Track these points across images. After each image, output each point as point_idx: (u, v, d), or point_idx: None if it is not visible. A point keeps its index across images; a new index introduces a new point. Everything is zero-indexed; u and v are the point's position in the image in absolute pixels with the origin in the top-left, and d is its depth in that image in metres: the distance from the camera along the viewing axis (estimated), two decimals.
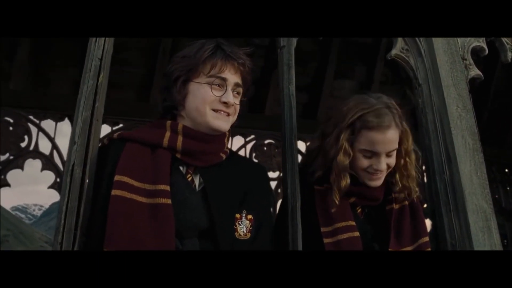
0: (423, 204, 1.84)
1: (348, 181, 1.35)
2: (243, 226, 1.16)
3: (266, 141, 4.37)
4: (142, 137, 1.20)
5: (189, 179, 1.21)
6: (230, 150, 1.35)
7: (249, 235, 1.16)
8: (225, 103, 1.23)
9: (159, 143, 1.19)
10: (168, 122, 1.24)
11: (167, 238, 1.05)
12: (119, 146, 1.17)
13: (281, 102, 1.46)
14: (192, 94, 1.23)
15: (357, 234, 1.31)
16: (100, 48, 1.27)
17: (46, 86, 3.67)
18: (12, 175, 3.55)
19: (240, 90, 1.30)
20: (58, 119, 3.60)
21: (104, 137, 1.26)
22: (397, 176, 1.41)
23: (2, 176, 3.46)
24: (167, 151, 1.19)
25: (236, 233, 1.14)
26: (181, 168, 1.22)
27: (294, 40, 1.55)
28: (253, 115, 4.35)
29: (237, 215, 1.17)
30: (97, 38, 1.27)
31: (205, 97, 1.22)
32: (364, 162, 1.37)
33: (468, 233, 1.44)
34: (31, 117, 3.56)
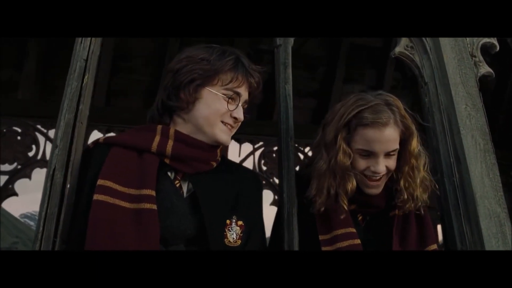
0: (437, 211, 1.73)
1: (354, 183, 1.26)
2: (233, 233, 1.10)
3: (275, 148, 4.31)
4: (130, 141, 1.15)
5: (177, 185, 1.16)
6: (222, 155, 1.29)
7: (239, 242, 1.10)
8: (235, 118, 1.21)
9: (147, 147, 1.13)
10: (159, 127, 1.19)
11: (152, 244, 0.99)
12: (104, 150, 1.12)
13: (277, 102, 1.39)
14: (205, 102, 1.18)
15: (358, 241, 1.22)
16: (85, 49, 1.23)
17: (53, 95, 3.69)
18: (20, 184, 3.56)
19: (246, 106, 1.27)
20: None
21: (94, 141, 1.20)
22: (402, 183, 1.30)
23: (10, 186, 3.48)
24: (155, 156, 1.13)
25: (225, 239, 1.08)
26: (169, 173, 1.17)
27: (291, 39, 1.49)
28: (261, 122, 4.30)
29: (227, 221, 1.11)
30: (83, 39, 1.23)
31: (219, 109, 1.18)
32: (361, 163, 1.27)
33: (481, 240, 1.34)
34: (38, 126, 3.59)
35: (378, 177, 1.28)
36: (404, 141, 1.30)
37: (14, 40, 3.58)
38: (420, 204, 1.32)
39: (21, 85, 3.61)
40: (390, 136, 1.25)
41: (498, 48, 1.75)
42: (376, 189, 1.30)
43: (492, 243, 1.34)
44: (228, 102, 1.18)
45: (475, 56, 1.70)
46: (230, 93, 1.19)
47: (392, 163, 1.29)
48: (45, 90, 3.72)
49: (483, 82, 1.68)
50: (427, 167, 1.34)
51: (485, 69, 1.68)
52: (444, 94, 1.55)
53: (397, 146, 1.28)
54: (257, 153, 4.32)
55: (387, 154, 1.27)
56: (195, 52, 1.21)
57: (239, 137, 4.42)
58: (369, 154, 1.27)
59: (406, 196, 1.29)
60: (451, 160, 1.46)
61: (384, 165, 1.27)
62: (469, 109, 1.53)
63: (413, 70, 1.65)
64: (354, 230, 1.24)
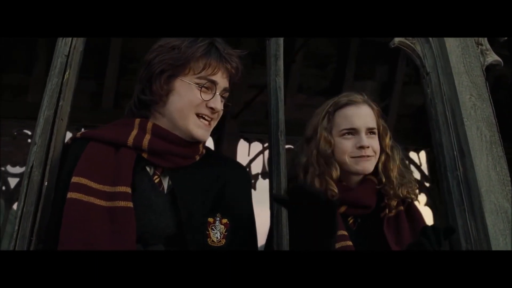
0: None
1: (339, 171, 1.30)
2: (217, 232, 1.04)
3: (286, 146, 4.26)
4: (106, 135, 1.11)
5: (156, 181, 1.11)
6: (207, 148, 1.24)
7: (223, 241, 1.04)
8: (212, 108, 1.13)
9: (124, 141, 1.09)
10: (137, 120, 1.14)
11: (127, 244, 0.94)
12: (81, 145, 1.09)
13: (268, 95, 1.35)
14: (178, 93, 1.11)
15: (349, 243, 1.19)
16: (67, 45, 1.20)
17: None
18: None
19: (227, 95, 1.20)
20: (74, 130, 3.65)
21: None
22: (380, 167, 1.36)
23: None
24: (132, 151, 1.09)
25: (208, 239, 1.03)
26: (148, 169, 1.12)
27: None
28: None
29: (210, 219, 1.05)
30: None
31: (192, 100, 1.11)
32: (347, 145, 1.33)
33: (486, 237, 1.26)
34: None
35: (366, 154, 1.31)
36: (380, 138, 1.40)
37: (23, 44, 3.63)
38: (405, 197, 1.36)
39: (31, 89, 3.66)
40: (367, 112, 1.37)
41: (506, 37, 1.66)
42: (367, 163, 1.32)
43: (499, 241, 1.26)
44: (201, 91, 1.11)
45: (481, 44, 1.61)
46: (204, 81, 1.12)
47: (375, 144, 1.35)
48: None
49: (499, 77, 1.59)
50: (400, 156, 1.43)
51: (492, 57, 1.59)
52: (446, 84, 1.48)
53: (375, 126, 1.37)
54: (267, 152, 4.27)
55: (368, 131, 1.34)
56: (168, 40, 1.15)
57: (248, 136, 4.39)
58: (352, 133, 1.34)
59: (393, 185, 1.35)
60: (455, 153, 1.39)
61: (367, 141, 1.32)
62: (474, 99, 1.45)
63: (414, 60, 1.58)
64: (345, 233, 1.21)
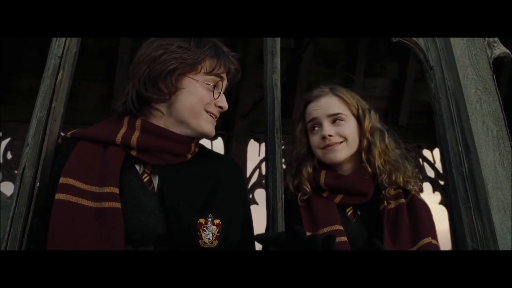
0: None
1: (310, 169, 1.35)
2: (209, 233, 1.01)
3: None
4: (95, 134, 1.10)
5: (146, 179, 1.08)
6: (200, 145, 1.22)
7: (216, 242, 1.02)
8: (220, 107, 1.15)
9: (112, 139, 1.07)
10: (127, 118, 1.13)
11: (115, 246, 0.93)
12: (70, 145, 1.08)
13: (264, 92, 1.32)
14: (188, 91, 1.10)
15: (344, 239, 1.17)
16: (60, 47, 1.20)
17: (73, 101, 3.78)
18: None
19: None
20: None
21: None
22: (363, 156, 1.36)
23: None
24: (120, 149, 1.07)
25: (200, 240, 1.00)
26: (137, 167, 1.09)
27: None
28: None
29: (202, 220, 1.02)
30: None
31: (203, 98, 1.12)
32: (315, 139, 1.36)
33: (493, 235, 1.21)
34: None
35: (330, 143, 1.32)
36: (359, 120, 1.39)
37: (35, 48, 3.70)
38: (404, 186, 1.34)
39: None
40: (327, 102, 1.38)
41: None
42: (333, 153, 1.33)
43: (507, 239, 1.21)
44: (210, 90, 1.13)
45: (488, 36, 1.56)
46: (216, 79, 1.14)
47: (343, 129, 1.34)
48: None
49: (498, 61, 1.54)
50: (387, 140, 1.40)
51: (500, 49, 1.54)
52: (451, 77, 1.43)
53: (340, 111, 1.36)
54: None
55: (334, 121, 1.35)
56: (168, 41, 1.13)
57: (258, 136, 4.38)
58: (316, 126, 1.37)
59: (379, 172, 1.32)
60: (460, 149, 1.35)
61: (331, 129, 1.33)
62: (479, 93, 1.40)
63: (417, 54, 1.54)
64: (341, 228, 1.19)
